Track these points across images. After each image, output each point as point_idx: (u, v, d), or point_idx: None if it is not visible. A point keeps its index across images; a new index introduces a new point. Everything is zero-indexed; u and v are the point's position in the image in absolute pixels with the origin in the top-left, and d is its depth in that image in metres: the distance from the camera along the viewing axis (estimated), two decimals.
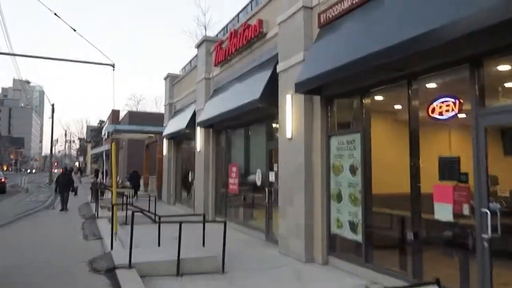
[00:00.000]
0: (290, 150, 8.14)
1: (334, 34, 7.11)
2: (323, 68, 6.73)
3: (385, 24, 5.75)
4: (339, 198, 7.19)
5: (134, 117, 34.10)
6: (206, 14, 42.75)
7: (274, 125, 9.75)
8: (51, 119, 39.48)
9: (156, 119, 32.15)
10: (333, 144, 7.39)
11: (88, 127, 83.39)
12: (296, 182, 7.87)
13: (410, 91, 5.88)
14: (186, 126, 14.89)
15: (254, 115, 10.13)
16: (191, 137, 15.91)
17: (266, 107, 9.08)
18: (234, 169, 11.86)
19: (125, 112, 42.34)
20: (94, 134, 64.48)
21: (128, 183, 23.12)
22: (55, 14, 13.57)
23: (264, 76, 9.28)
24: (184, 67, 19.91)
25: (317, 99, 7.66)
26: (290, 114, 8.11)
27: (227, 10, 66.13)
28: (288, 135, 8.12)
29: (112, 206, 8.99)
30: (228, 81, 12.15)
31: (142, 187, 26.14)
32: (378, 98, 6.85)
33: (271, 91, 8.89)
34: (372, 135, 6.62)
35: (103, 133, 40.49)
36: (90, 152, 64.88)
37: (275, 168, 9.50)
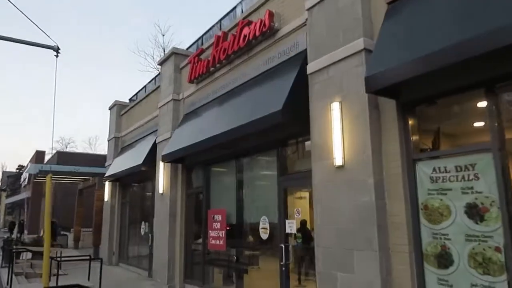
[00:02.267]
0: (335, 188, 5.32)
1: None
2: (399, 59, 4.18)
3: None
4: (443, 261, 4.39)
5: (64, 158, 29.06)
6: (165, 35, 38.23)
7: (295, 148, 6.93)
8: None
9: (91, 160, 27.64)
10: (424, 173, 4.71)
11: (4, 173, 73.29)
12: (356, 235, 4.98)
13: None
14: (143, 163, 11.46)
15: (263, 138, 7.24)
16: (148, 177, 12.44)
17: (290, 123, 6.28)
18: (218, 217, 8.65)
19: (51, 154, 36.75)
20: (11, 181, 56.04)
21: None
22: None
23: (285, 82, 6.53)
24: (136, 94, 16.61)
25: (390, 104, 5.03)
26: (340, 132, 5.37)
27: (186, 34, 63.58)
28: (339, 162, 5.31)
29: None
30: (212, 99, 9.22)
31: (71, 243, 21.23)
32: None
33: (296, 98, 6.17)
34: None
35: (22, 179, 34.43)
36: (5, 201, 56.04)
37: (296, 215, 6.56)
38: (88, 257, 10.33)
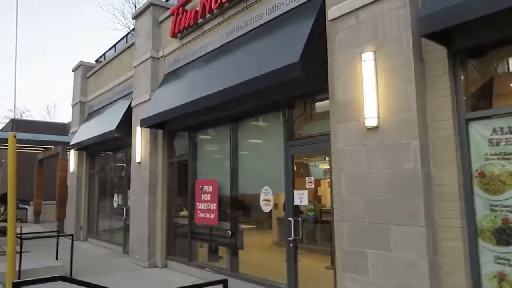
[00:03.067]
0: (366, 153, 4.53)
1: None
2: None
3: None
4: (504, 237, 3.76)
5: (20, 127, 26.76)
6: None
7: (305, 109, 6.07)
8: None
9: (51, 129, 25.69)
10: (480, 135, 3.99)
11: None
12: (394, 208, 4.25)
13: None
14: (117, 129, 10.22)
15: (266, 99, 6.31)
16: (122, 144, 11.24)
17: (304, 80, 5.37)
18: (208, 188, 7.74)
19: (4, 123, 33.93)
20: None
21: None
22: None
23: (298, 32, 5.56)
24: (104, 55, 14.99)
25: (438, 54, 4.22)
26: (374, 87, 4.54)
27: None
28: (371, 122, 4.50)
29: None
30: (200, 55, 8.11)
31: (31, 217, 19.66)
32: None
33: (313, 51, 5.27)
34: None
35: None
36: None
37: (308, 184, 5.77)
38: (55, 233, 9.19)
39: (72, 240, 8.03)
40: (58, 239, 8.87)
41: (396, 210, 4.23)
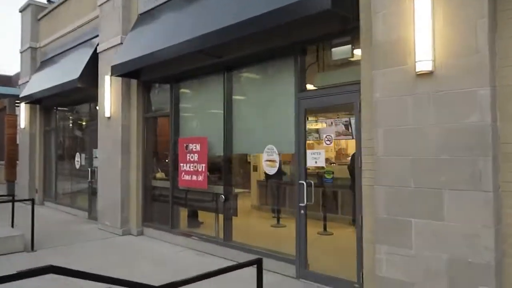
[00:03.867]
0: (415, 103, 3.76)
1: None
2: None
3: None
4: None
5: None
6: None
7: (323, 54, 5.16)
8: None
9: None
10: None
11: None
12: (450, 169, 3.55)
13: None
14: (80, 78, 8.80)
15: (274, 41, 5.32)
16: (85, 97, 9.86)
17: (339, 9, 4.43)
18: (195, 146, 6.76)
19: None
20: None
21: None
22: None
23: None
24: None
25: None
26: (429, 23, 3.69)
27: None
28: (425, 67, 3.68)
29: None
30: None
31: None
32: None
33: None
34: None
35: None
36: None
37: (326, 143, 4.99)
38: (10, 198, 7.90)
39: (33, 206, 6.82)
40: (13, 204, 7.60)
41: (453, 172, 3.54)
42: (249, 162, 6.78)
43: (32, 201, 6.93)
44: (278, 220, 6.41)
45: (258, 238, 6.11)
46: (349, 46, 4.82)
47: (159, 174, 8.23)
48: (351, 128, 4.87)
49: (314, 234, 5.36)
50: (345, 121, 4.86)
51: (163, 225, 7.63)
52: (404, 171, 3.85)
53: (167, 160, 7.73)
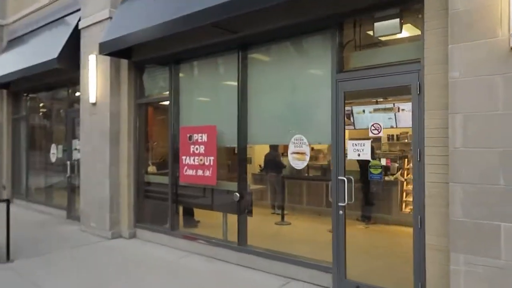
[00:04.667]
0: (507, 84, 3.11)
1: None
2: None
3: None
4: None
5: None
6: None
7: (368, 28, 4.41)
8: None
9: None
10: None
11: None
12: None
13: None
14: (59, 58, 7.65)
15: (307, 12, 4.50)
16: (63, 81, 8.71)
17: None
18: (201, 137, 5.89)
19: None
20: None
21: None
22: None
23: None
24: None
25: None
26: None
27: None
28: None
29: None
30: None
31: None
32: None
33: None
34: None
35: None
36: None
37: (373, 132, 4.27)
38: None
39: (8, 208, 5.72)
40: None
41: None
42: (277, 154, 5.99)
43: (7, 202, 5.81)
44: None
45: (279, 241, 5.37)
46: (402, 18, 4.09)
47: (152, 168, 7.29)
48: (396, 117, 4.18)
49: (353, 238, 4.66)
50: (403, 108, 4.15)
51: (160, 226, 6.72)
52: (491, 166, 3.18)
53: (164, 153, 6.80)
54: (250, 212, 5.60)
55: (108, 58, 6.88)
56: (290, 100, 5.07)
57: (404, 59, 4.06)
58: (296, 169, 4.95)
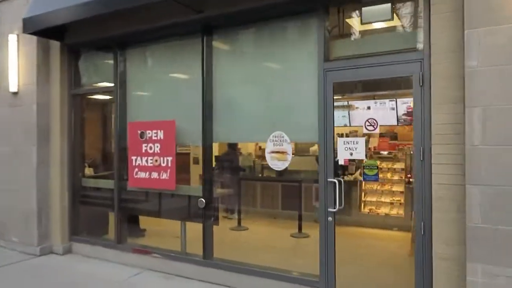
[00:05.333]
0: None
1: None
2: None
3: None
4: None
5: None
6: None
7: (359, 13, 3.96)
8: None
9: None
10: None
11: None
12: None
13: None
14: None
15: None
16: None
17: None
18: (156, 134, 5.04)
19: None
20: None
21: None
22: None
23: None
24: None
25: None
26: None
27: None
28: None
29: None
30: None
31: None
32: None
33: None
34: None
35: None
36: None
37: (367, 128, 3.84)
38: None
39: None
40: None
41: None
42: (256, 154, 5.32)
43: None
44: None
45: (244, 251, 4.77)
46: (394, 2, 3.69)
47: (89, 170, 6.23)
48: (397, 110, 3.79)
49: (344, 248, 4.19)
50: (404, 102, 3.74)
51: (103, 239, 5.72)
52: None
53: (108, 152, 5.81)
54: (216, 220, 4.90)
55: (34, 38, 5.68)
56: (267, 92, 4.45)
57: (404, 47, 3.65)
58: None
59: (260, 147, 9.44)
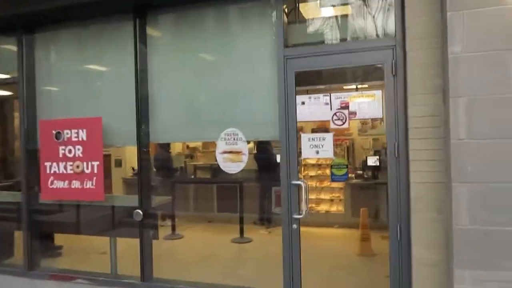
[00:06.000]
0: None
1: None
2: None
3: None
4: None
5: None
6: None
7: None
8: None
9: None
10: None
11: None
12: None
13: None
14: None
15: None
16: None
17: None
18: (76, 134, 4.14)
19: None
20: None
21: None
22: None
23: None
24: None
25: None
26: None
27: None
28: None
29: None
30: None
31: None
32: None
33: None
34: None
35: None
36: None
37: (335, 123, 3.45)
38: None
39: None
40: None
41: None
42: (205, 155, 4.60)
43: None
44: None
45: (186, 264, 4.12)
46: None
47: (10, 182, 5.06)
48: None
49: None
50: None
51: (7, 265, 4.62)
52: (505, 159, 2.64)
53: (12, 158, 4.72)
54: (155, 234, 4.16)
55: None
56: (218, 84, 3.82)
57: (373, 32, 3.30)
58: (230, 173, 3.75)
59: (188, 146, 8.78)
